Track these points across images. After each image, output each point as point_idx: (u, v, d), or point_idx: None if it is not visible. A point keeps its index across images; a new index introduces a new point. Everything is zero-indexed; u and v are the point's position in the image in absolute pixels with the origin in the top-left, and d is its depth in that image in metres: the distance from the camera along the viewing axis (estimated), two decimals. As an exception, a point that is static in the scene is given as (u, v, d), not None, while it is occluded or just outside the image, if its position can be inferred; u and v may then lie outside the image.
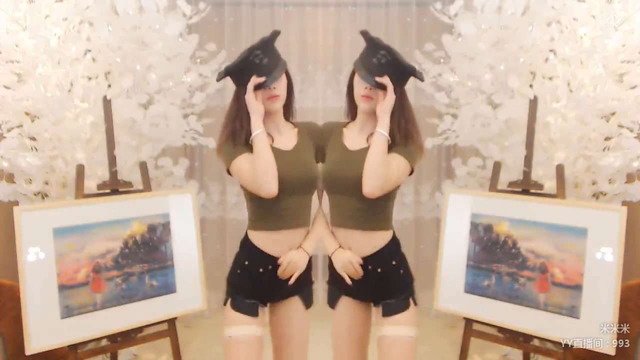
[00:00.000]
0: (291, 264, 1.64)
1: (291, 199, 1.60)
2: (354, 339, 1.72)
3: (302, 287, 1.73)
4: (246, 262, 1.66)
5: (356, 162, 1.56)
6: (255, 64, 1.56)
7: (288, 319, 1.72)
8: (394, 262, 1.65)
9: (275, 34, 1.61)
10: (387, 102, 1.54)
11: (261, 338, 1.65)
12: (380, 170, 1.51)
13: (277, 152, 1.58)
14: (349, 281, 1.65)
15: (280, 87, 1.62)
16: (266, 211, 1.61)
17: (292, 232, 1.65)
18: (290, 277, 1.66)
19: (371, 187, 1.51)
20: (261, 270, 1.65)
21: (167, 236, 2.25)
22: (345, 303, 1.71)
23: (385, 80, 1.54)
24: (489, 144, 2.60)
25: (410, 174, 1.63)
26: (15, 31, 2.27)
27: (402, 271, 1.67)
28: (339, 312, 1.73)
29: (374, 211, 1.61)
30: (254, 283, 1.66)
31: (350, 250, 1.64)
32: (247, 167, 1.55)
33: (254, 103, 1.56)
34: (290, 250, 1.65)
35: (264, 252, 1.64)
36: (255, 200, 1.62)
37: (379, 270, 1.64)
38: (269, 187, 1.52)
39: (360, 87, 1.61)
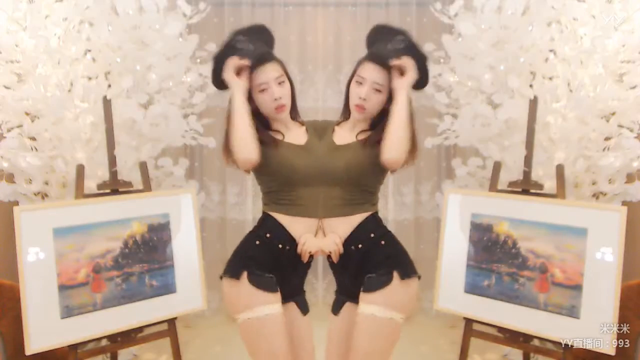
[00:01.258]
0: (307, 243, 1.62)
1: (306, 190, 1.61)
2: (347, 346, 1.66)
3: (298, 293, 1.73)
4: (268, 235, 1.63)
5: (342, 155, 1.62)
6: (238, 49, 1.57)
7: (289, 323, 1.66)
8: (372, 235, 1.63)
9: (263, 27, 1.63)
10: (408, 77, 1.59)
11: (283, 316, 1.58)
12: (403, 137, 1.57)
13: (289, 146, 1.63)
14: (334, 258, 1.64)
15: (285, 97, 1.65)
16: (282, 199, 1.64)
17: (308, 220, 1.64)
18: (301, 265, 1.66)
19: (396, 152, 1.56)
20: (280, 246, 1.62)
21: (167, 236, 2.26)
22: (349, 309, 1.69)
23: (404, 60, 1.58)
24: (489, 144, 2.60)
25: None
26: (15, 31, 2.27)
27: (383, 242, 1.64)
28: (340, 317, 1.71)
29: (358, 199, 1.64)
30: (273, 258, 1.61)
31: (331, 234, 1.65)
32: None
33: (233, 79, 1.58)
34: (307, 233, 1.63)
35: (286, 229, 1.63)
36: (271, 188, 1.65)
37: (360, 246, 1.62)
38: (246, 154, 1.56)
39: (355, 97, 1.65)
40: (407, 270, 1.61)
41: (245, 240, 1.68)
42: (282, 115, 1.66)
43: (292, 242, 1.63)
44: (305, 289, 1.78)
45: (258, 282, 1.55)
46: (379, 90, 1.61)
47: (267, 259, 1.61)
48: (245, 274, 1.56)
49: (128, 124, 2.53)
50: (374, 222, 1.67)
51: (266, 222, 1.66)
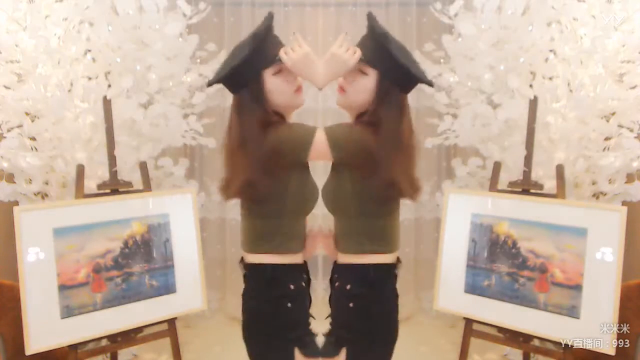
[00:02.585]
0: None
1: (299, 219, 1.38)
2: None
3: None
4: (292, 286, 1.32)
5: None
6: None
7: None
8: (348, 287, 1.30)
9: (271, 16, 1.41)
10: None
11: None
12: None
13: None
14: None
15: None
16: (292, 233, 1.39)
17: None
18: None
19: None
20: (303, 284, 1.37)
21: (167, 236, 2.26)
22: None
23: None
24: (489, 144, 2.60)
25: None
26: (15, 31, 2.27)
27: (351, 304, 1.29)
28: None
29: (363, 232, 1.37)
30: (306, 310, 1.35)
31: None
32: None
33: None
34: None
35: (303, 265, 1.37)
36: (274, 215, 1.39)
37: (337, 284, 1.35)
38: None
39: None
40: (363, 351, 1.31)
41: (277, 304, 1.32)
42: (299, 99, 1.48)
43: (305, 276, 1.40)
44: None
45: (313, 352, 1.32)
46: (363, 72, 1.37)
47: (305, 316, 1.37)
48: (297, 351, 1.31)
49: (128, 124, 2.53)
50: (360, 272, 1.31)
51: (288, 273, 1.34)
